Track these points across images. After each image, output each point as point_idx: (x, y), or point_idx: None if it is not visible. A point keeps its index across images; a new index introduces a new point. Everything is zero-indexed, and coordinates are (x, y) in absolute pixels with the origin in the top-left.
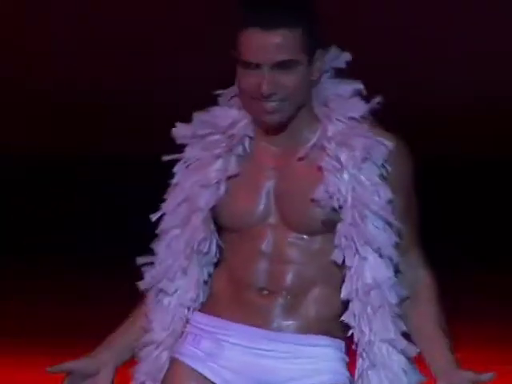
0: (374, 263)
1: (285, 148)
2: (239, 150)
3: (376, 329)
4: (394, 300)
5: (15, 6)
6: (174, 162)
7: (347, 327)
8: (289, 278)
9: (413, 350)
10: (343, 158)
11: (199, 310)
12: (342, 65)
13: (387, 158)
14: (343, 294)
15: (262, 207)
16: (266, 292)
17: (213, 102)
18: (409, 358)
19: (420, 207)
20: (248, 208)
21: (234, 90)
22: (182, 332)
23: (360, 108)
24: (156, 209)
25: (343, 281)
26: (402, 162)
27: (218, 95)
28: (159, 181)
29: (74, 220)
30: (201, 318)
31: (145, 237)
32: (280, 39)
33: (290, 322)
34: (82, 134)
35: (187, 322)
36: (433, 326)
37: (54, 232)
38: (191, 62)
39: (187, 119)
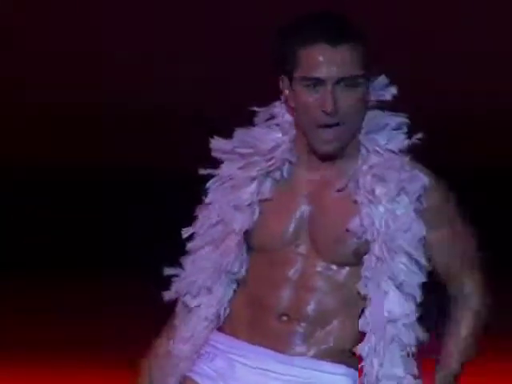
0: (393, 298)
1: (323, 177)
2: (277, 174)
3: (385, 364)
4: (408, 339)
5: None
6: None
7: (361, 359)
8: (310, 307)
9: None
10: (378, 191)
11: (218, 329)
12: (389, 97)
13: (424, 192)
14: (360, 325)
15: (292, 231)
16: (285, 318)
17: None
18: None
19: (473, 235)
20: (279, 231)
21: (270, 109)
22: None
23: (400, 142)
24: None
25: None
26: (439, 197)
27: (254, 113)
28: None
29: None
30: (217, 337)
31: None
32: (346, 54)
33: (306, 349)
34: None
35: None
36: (453, 343)
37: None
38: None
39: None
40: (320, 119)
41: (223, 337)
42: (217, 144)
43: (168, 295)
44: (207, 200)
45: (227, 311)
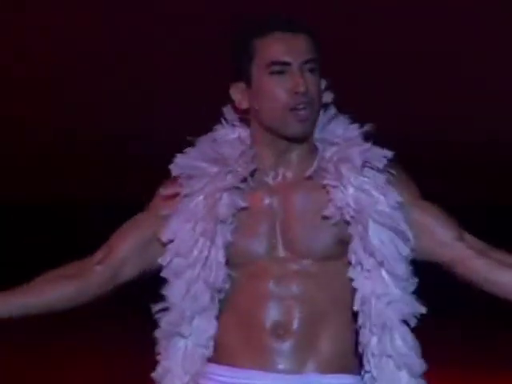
0: (375, 277)
1: (286, 177)
2: (244, 184)
3: (381, 343)
4: (395, 316)
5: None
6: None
7: (361, 361)
8: (301, 312)
9: (420, 367)
10: (344, 171)
11: (215, 361)
12: (329, 100)
13: (389, 163)
14: (354, 308)
15: (267, 238)
16: (281, 331)
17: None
18: (414, 374)
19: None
20: (254, 240)
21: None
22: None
23: (355, 129)
24: None
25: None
26: (404, 170)
27: (222, 112)
28: None
29: None
30: (219, 370)
31: None
32: (306, 40)
33: (309, 362)
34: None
35: (203, 375)
36: None
37: None
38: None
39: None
40: (293, 101)
41: (221, 368)
42: (181, 161)
43: (160, 332)
44: (180, 219)
45: (217, 336)
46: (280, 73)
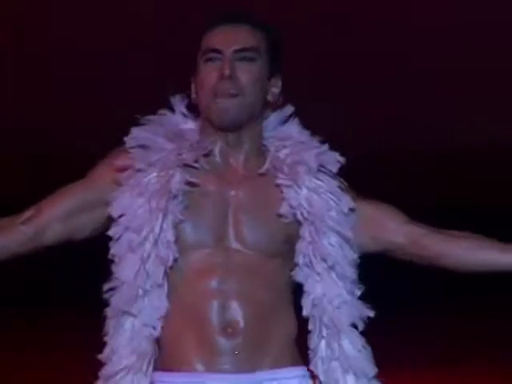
0: (327, 280)
1: (240, 173)
2: (198, 163)
3: (333, 346)
4: (349, 318)
5: None
6: None
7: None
8: (247, 310)
9: (369, 370)
10: (300, 172)
11: (163, 368)
12: (284, 117)
13: (340, 172)
14: (303, 313)
15: (218, 228)
16: (230, 330)
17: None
18: (363, 378)
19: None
20: (203, 226)
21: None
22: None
23: (307, 135)
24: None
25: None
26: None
27: (169, 98)
28: None
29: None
30: (167, 377)
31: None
32: (242, 31)
33: (261, 359)
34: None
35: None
36: (486, 246)
37: None
38: None
39: None
40: (218, 86)
41: (171, 375)
42: (138, 133)
43: (111, 310)
44: (132, 193)
45: (164, 324)
46: (212, 60)
